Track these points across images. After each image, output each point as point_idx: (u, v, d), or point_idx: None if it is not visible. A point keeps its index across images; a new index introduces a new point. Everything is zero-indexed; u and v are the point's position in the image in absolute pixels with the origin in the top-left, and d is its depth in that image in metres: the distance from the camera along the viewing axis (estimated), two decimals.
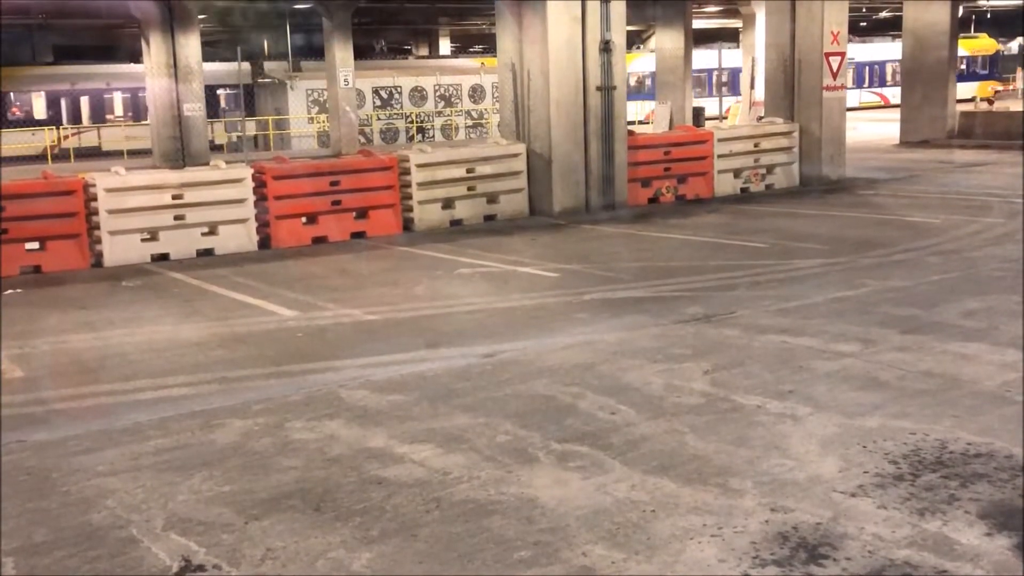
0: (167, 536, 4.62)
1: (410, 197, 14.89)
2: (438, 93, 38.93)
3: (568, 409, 6.33)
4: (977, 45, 55.16)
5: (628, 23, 17.08)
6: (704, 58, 42.04)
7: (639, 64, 42.93)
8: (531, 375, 7.15)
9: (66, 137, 34.88)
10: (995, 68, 55.83)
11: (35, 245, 12.67)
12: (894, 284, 9.87)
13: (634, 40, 45.11)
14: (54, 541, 4.63)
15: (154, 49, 27.99)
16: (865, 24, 54.86)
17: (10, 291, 11.41)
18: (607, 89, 15.90)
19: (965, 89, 49.72)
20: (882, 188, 18.31)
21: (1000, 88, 52.57)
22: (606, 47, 15.79)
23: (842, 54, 18.58)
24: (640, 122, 37.24)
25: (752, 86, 32.86)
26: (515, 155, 15.81)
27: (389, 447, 5.75)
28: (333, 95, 32.53)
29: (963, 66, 51.69)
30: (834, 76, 18.50)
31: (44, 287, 11.69)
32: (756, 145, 18.30)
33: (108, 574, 4.26)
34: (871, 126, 35.41)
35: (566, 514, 4.69)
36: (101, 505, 5.04)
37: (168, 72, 27.89)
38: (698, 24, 41.88)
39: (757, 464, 5.24)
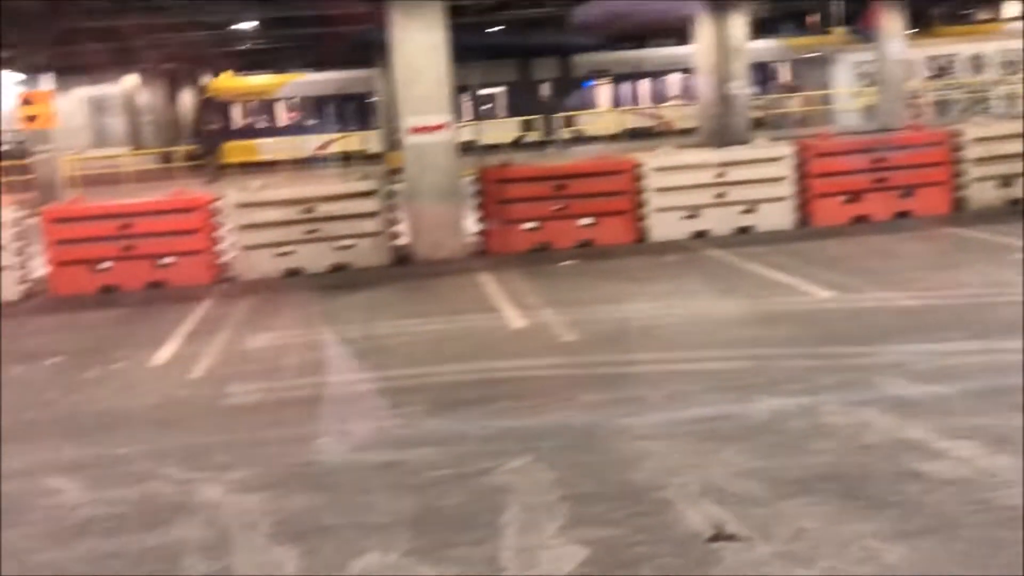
0: (701, 503, 4.82)
1: (964, 174, 13.88)
2: (1002, 60, 35.62)
3: None
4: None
5: None
6: None
7: None
8: None
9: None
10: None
11: (589, 220, 13.72)
12: None
13: None
14: (600, 494, 5.04)
15: (704, 29, 28.78)
16: None
17: (566, 262, 12.50)
18: None
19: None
20: None
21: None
22: None
23: None
24: None
25: None
26: None
27: (928, 440, 5.47)
28: (881, 68, 31.24)
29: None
30: None
31: (595, 260, 12.62)
32: None
33: (647, 530, 4.56)
34: None
35: None
36: (641, 466, 5.38)
37: (716, 52, 28.52)
38: None
39: None
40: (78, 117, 44.88)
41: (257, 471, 5.79)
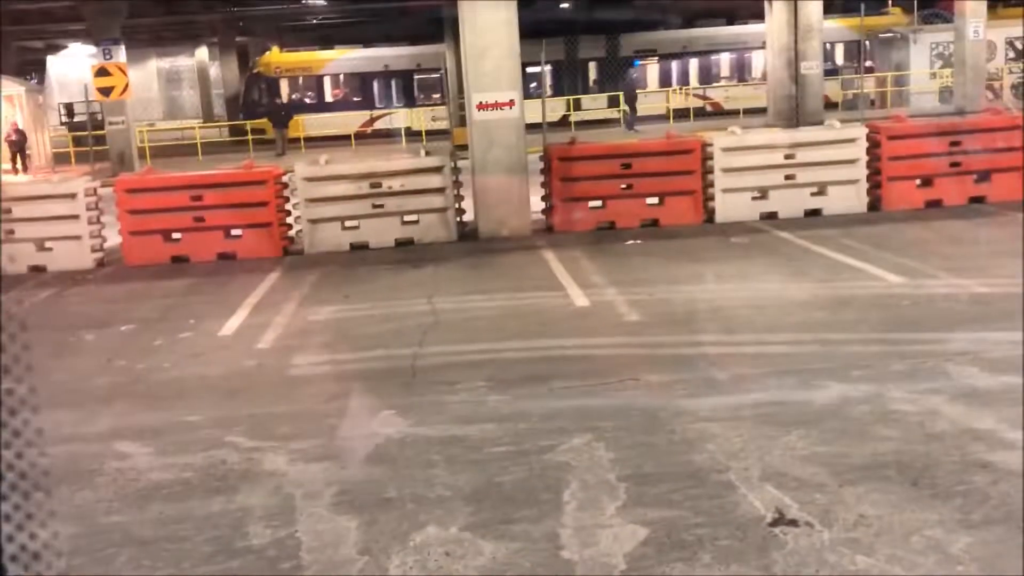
0: (762, 487, 4.78)
1: None
2: None
3: None
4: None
5: None
6: None
7: None
8: None
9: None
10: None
11: (655, 200, 13.62)
12: None
13: None
14: (660, 475, 5.03)
15: (776, 8, 28.37)
16: None
17: (631, 241, 12.43)
18: None
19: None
20: None
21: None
22: None
23: None
24: None
25: None
26: None
27: (997, 431, 5.36)
28: (959, 49, 30.50)
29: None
30: None
31: (660, 239, 12.53)
32: None
33: (707, 512, 4.54)
34: None
35: None
36: (703, 448, 5.36)
37: (788, 31, 28.10)
38: None
39: None
40: (151, 89, 45.71)
41: (320, 442, 5.88)
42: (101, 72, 25.08)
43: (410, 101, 36.79)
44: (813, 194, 13.52)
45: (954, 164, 13.51)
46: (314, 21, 42.75)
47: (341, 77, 37.95)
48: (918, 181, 13.64)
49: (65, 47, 43.97)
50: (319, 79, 37.74)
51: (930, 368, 6.57)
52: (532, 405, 6.28)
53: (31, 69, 43.95)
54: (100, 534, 4.79)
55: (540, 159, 13.63)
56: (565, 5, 36.74)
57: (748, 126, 19.51)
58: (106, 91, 25.04)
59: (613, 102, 35.82)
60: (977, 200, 13.45)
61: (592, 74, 37.98)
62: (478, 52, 13.17)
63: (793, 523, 4.39)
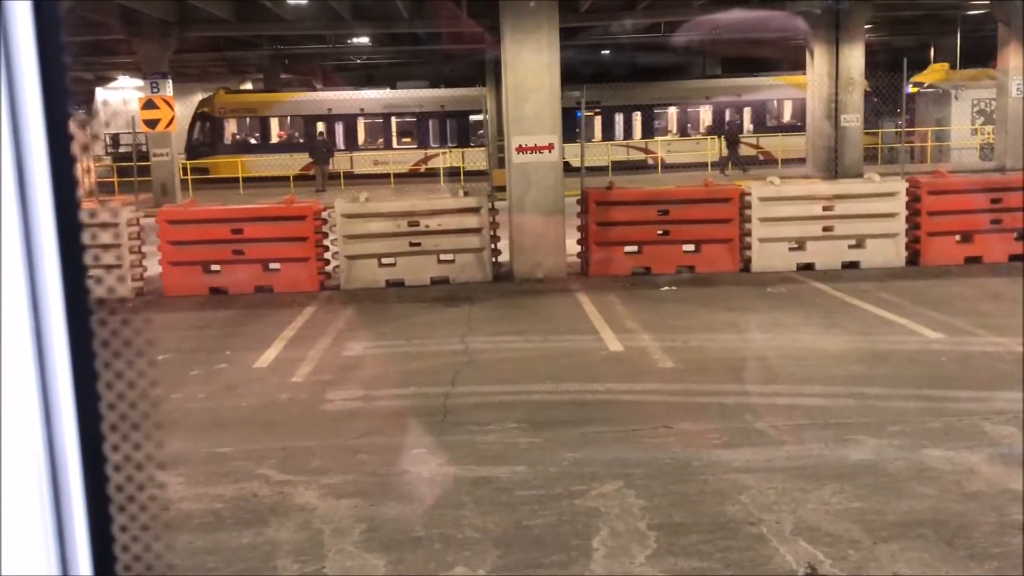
0: (795, 541, 4.73)
1: None
2: None
3: None
4: None
5: None
6: None
7: None
8: None
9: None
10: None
11: (691, 247, 13.61)
12: None
13: None
14: (691, 525, 4.99)
15: (817, 60, 28.42)
16: None
17: (666, 287, 12.42)
18: None
19: None
20: None
21: None
22: None
23: None
24: None
25: None
26: None
27: None
28: (1002, 106, 30.37)
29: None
30: None
31: (696, 286, 12.51)
32: None
33: (738, 565, 4.49)
34: None
35: None
36: (735, 499, 5.31)
37: (828, 82, 28.12)
38: None
39: None
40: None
41: (351, 477, 5.89)
42: (148, 105, 25.48)
43: (352, 145, 36.78)
44: (851, 246, 13.44)
45: (995, 221, 13.40)
46: (358, 61, 43.28)
47: (287, 119, 38.06)
48: (958, 237, 13.54)
49: (114, 79, 44.79)
50: (263, 120, 37.88)
51: (967, 427, 6.48)
52: (563, 449, 6.26)
53: (79, 100, 44.76)
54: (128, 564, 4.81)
55: (577, 202, 13.68)
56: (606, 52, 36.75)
57: (786, 176, 19.47)
58: (152, 123, 25.41)
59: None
60: (1018, 258, 13.31)
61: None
62: (519, 95, 13.27)
63: None
